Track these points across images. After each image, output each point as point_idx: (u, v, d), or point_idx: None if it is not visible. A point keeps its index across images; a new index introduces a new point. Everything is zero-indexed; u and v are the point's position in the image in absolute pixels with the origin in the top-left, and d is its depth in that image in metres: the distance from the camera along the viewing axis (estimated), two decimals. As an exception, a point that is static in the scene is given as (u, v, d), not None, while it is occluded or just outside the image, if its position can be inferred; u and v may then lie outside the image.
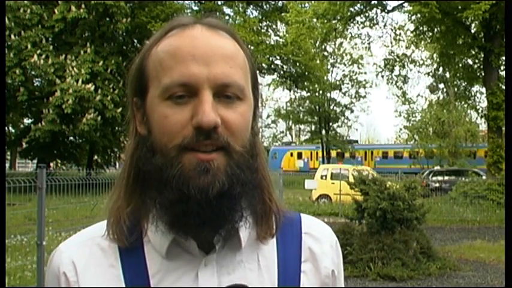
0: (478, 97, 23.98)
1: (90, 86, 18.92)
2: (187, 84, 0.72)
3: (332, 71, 40.85)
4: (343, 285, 0.91)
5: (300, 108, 40.91)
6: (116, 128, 22.68)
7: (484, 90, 19.64)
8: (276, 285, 0.80)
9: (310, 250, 0.85)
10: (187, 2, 30.32)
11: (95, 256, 0.78)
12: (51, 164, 23.26)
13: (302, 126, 47.50)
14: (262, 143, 0.84)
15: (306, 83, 33.48)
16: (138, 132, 0.79)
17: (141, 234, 0.78)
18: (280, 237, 0.84)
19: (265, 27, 29.24)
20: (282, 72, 31.54)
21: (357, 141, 42.50)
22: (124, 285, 0.76)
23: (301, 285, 0.82)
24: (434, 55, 23.56)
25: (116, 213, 0.77)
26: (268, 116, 47.19)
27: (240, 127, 0.74)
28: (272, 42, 28.31)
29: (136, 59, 0.80)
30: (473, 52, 19.79)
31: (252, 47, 27.80)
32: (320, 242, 0.87)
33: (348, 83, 41.03)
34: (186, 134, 0.71)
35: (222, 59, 0.73)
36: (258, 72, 0.82)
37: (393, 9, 19.85)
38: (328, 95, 40.76)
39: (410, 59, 22.79)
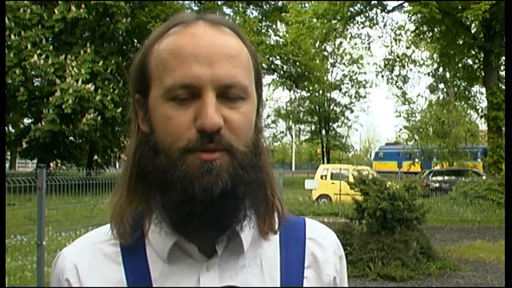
0: (478, 97, 23.99)
1: (90, 86, 18.91)
2: (190, 85, 0.71)
3: (332, 71, 40.97)
4: None
5: (300, 108, 40.94)
6: (116, 128, 22.66)
7: (484, 90, 19.63)
8: None
9: (313, 256, 0.84)
10: (187, 2, 30.27)
11: (97, 260, 0.78)
12: (51, 164, 23.21)
13: (302, 126, 47.55)
14: (266, 140, 0.84)
15: (306, 83, 33.50)
16: (140, 129, 0.78)
17: (143, 235, 0.77)
18: (284, 241, 0.83)
19: (265, 27, 29.22)
20: (282, 72, 31.54)
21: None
22: None
23: None
24: (434, 55, 23.54)
25: (119, 211, 0.77)
26: (268, 116, 47.18)
27: (243, 127, 0.73)
28: (272, 42, 28.30)
29: (138, 55, 0.79)
30: (473, 52, 19.78)
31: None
32: (324, 248, 0.85)
33: (347, 83, 41.15)
34: (190, 137, 0.70)
35: (225, 58, 0.72)
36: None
37: (393, 9, 19.86)
38: (328, 95, 40.84)
39: (410, 59, 22.76)
